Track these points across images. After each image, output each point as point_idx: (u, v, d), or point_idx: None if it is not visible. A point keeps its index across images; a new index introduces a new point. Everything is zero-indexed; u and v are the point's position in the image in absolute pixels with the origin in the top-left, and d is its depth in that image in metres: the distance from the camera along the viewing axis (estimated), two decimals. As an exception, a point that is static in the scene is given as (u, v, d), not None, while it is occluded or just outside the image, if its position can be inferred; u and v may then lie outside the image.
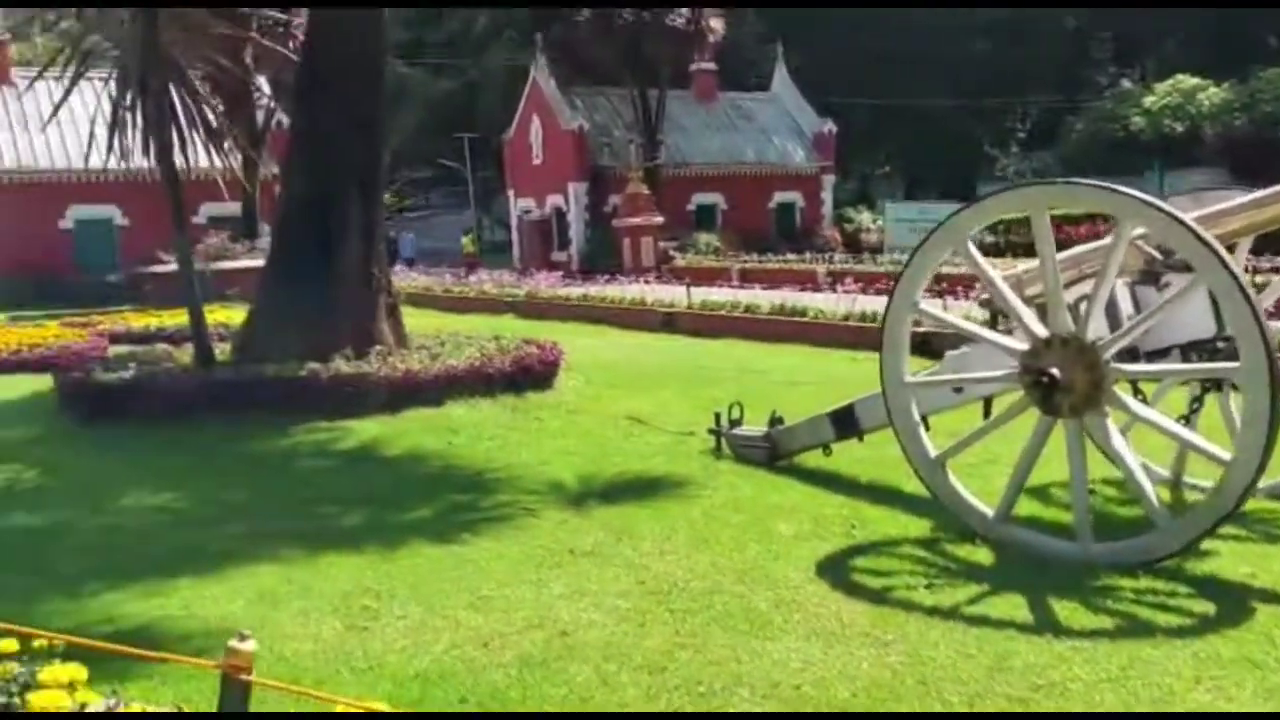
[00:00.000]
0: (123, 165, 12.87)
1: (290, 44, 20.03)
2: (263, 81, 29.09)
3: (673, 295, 21.18)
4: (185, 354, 13.13)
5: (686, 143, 39.94)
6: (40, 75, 13.62)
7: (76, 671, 3.49)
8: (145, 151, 12.56)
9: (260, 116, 31.27)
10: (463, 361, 11.61)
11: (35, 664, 3.53)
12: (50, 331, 18.36)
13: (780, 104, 42.89)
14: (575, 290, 23.42)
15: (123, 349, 16.10)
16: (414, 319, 13.61)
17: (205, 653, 5.02)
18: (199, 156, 13.38)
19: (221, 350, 13.01)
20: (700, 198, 39.53)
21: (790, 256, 30.90)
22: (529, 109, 39.85)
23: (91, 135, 12.24)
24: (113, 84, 12.80)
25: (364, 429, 10.40)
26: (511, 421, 10.74)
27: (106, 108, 12.66)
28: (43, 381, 13.76)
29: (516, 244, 41.90)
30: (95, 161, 12.93)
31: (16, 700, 3.31)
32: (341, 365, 11.27)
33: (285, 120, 32.28)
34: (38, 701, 3.24)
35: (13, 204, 30.91)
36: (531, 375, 11.77)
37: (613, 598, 5.79)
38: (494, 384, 11.46)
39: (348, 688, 4.75)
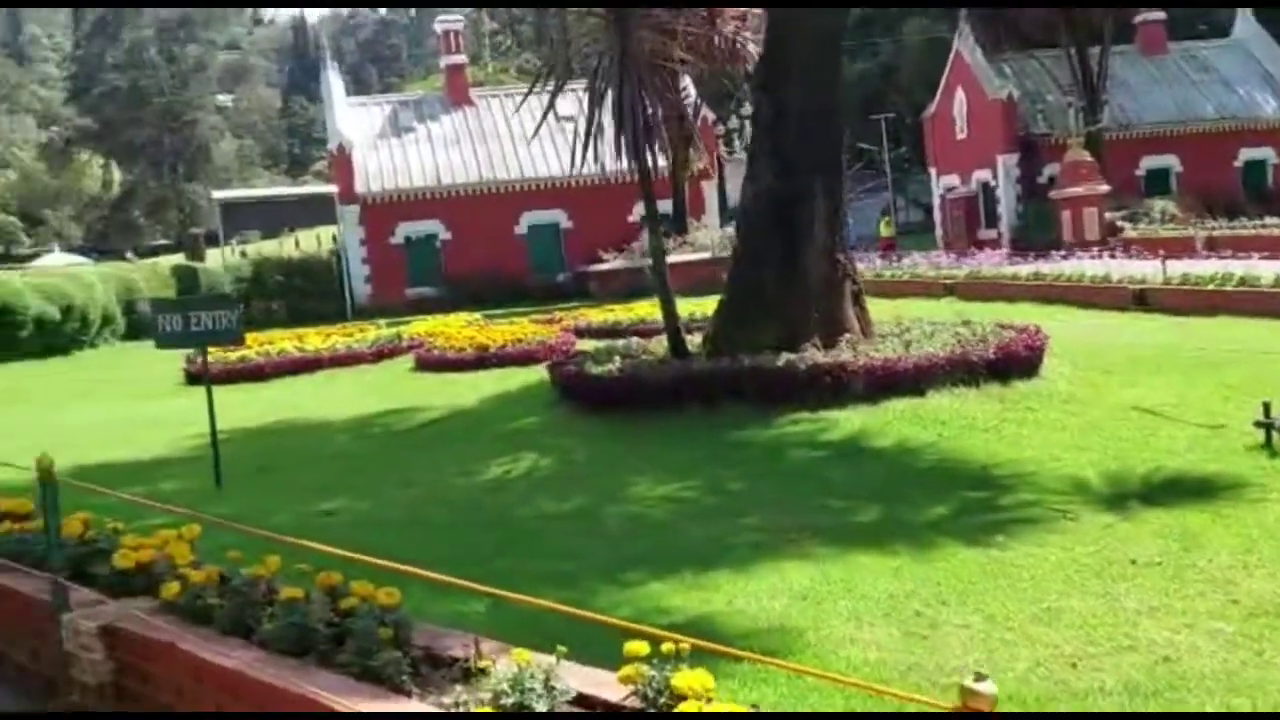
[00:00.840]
0: (585, 171, 13.56)
1: (714, 40, 20.26)
2: (687, 80, 29.94)
3: (1141, 270, 19.20)
4: (657, 346, 13.63)
5: (1132, 102, 36.37)
6: (527, 96, 14.72)
7: (705, 678, 3.42)
8: (618, 154, 13.14)
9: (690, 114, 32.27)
10: (942, 349, 11.05)
11: (664, 668, 3.50)
12: (524, 328, 19.97)
13: (1244, 49, 37.94)
14: (1024, 269, 21.93)
15: (588, 343, 17.12)
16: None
17: (774, 654, 4.91)
18: (662, 156, 13.86)
19: (690, 343, 13.35)
20: (1150, 161, 35.85)
21: (1270, 220, 27.18)
22: (952, 81, 38.18)
23: (574, 145, 13.01)
24: (567, 97, 13.48)
25: (847, 420, 10.15)
26: (1001, 412, 10.05)
27: (552, 121, 13.38)
28: (529, 374, 14.91)
29: (939, 223, 40.35)
30: (581, 168, 13.65)
31: (674, 708, 3.27)
32: (817, 355, 11.12)
33: (709, 116, 33.24)
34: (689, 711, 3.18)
35: (479, 213, 34.23)
36: (1017, 362, 10.97)
37: (1206, 619, 5.07)
38: (976, 372, 10.79)
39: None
